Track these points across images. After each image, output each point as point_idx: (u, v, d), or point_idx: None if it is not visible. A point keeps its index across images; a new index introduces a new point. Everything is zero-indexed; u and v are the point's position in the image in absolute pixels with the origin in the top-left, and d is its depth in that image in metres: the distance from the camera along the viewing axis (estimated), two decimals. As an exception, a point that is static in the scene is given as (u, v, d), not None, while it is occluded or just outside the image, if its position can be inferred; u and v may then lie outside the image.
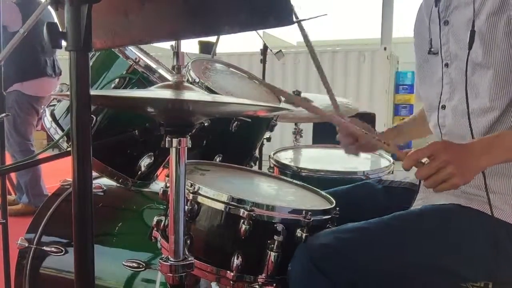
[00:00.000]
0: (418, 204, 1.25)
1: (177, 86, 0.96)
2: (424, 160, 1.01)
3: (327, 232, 1.09)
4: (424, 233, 1.09)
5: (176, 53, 0.95)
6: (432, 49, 1.26)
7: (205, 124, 1.48)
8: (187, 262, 0.97)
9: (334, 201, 1.19)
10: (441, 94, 1.24)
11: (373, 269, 1.06)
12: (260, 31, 2.65)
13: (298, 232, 1.06)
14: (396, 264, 1.07)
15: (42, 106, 1.57)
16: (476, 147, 1.04)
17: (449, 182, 0.98)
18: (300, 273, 1.02)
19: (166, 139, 0.94)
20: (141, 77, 1.39)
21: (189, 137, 0.95)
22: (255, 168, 1.92)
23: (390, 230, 1.09)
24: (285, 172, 1.89)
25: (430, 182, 1.00)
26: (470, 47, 1.10)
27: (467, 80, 1.13)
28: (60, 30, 0.64)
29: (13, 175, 3.77)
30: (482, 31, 1.09)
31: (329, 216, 1.12)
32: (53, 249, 1.51)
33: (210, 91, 1.51)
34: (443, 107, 1.23)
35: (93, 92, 0.68)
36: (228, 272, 1.06)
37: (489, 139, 1.06)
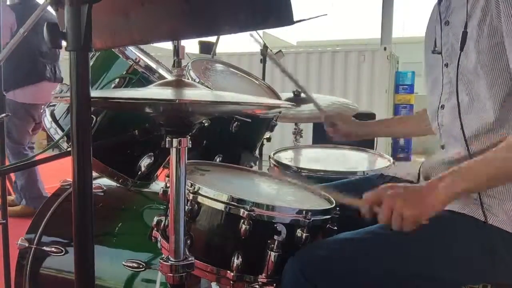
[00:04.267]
0: None
1: (177, 84, 0.96)
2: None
3: (318, 243, 1.09)
4: (417, 241, 1.07)
5: (176, 48, 0.95)
6: (436, 49, 1.26)
7: (205, 124, 1.48)
8: (188, 262, 0.97)
9: (334, 202, 1.19)
10: (441, 94, 1.24)
11: (365, 279, 1.04)
12: (260, 31, 2.65)
13: (298, 232, 1.06)
14: (389, 273, 1.05)
15: (42, 107, 1.56)
16: (432, 181, 1.04)
17: (405, 217, 0.97)
18: (291, 285, 1.02)
19: (166, 139, 0.94)
20: (141, 77, 1.39)
21: (189, 137, 0.95)
22: (255, 168, 1.92)
23: (381, 239, 1.08)
24: (285, 172, 1.89)
25: (394, 224, 0.99)
26: (461, 48, 1.11)
27: (457, 80, 1.13)
28: (60, 30, 0.64)
29: (12, 176, 3.76)
30: (473, 33, 1.09)
31: (329, 216, 1.12)
32: (53, 249, 1.51)
33: (210, 91, 1.51)
34: (442, 106, 1.24)
35: (92, 93, 0.68)
36: (228, 272, 1.05)
37: (447, 172, 1.03)
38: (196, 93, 0.95)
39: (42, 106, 1.55)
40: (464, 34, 1.10)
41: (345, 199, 1.10)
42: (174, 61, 0.97)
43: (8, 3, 3.34)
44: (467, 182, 1.00)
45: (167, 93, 0.92)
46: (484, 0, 1.07)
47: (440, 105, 1.25)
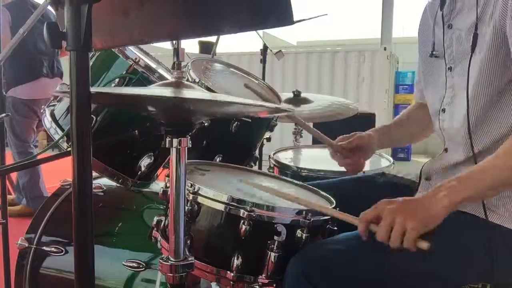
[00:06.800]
0: None
1: (177, 85, 0.96)
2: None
3: (319, 243, 1.09)
4: None
5: (177, 50, 0.95)
6: (434, 52, 1.26)
7: (205, 124, 1.48)
8: (187, 262, 0.97)
9: (334, 201, 1.19)
10: (443, 98, 1.24)
11: (366, 279, 1.04)
12: (260, 31, 2.65)
13: (298, 233, 1.06)
14: (389, 273, 1.05)
15: (42, 107, 1.56)
16: (431, 191, 1.01)
17: (407, 231, 0.93)
18: (293, 286, 1.01)
19: (167, 139, 0.94)
20: (141, 77, 1.39)
21: (189, 137, 0.95)
22: (255, 168, 1.92)
23: None
24: (285, 172, 1.89)
25: (393, 240, 0.95)
26: (472, 50, 1.10)
27: (468, 84, 1.12)
28: (60, 30, 0.64)
29: (13, 175, 3.76)
30: (483, 36, 1.09)
31: (329, 216, 1.12)
32: (53, 249, 1.51)
33: (210, 91, 1.51)
34: (443, 110, 1.24)
35: (95, 89, 0.68)
36: (228, 272, 1.05)
37: (447, 181, 1.02)
38: (196, 94, 0.95)
39: (43, 107, 1.55)
40: (475, 36, 1.09)
41: (341, 215, 1.05)
42: (174, 63, 0.97)
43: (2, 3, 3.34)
44: (468, 190, 0.98)
45: (168, 92, 0.92)
46: (493, 2, 1.06)
47: (441, 109, 1.24)
